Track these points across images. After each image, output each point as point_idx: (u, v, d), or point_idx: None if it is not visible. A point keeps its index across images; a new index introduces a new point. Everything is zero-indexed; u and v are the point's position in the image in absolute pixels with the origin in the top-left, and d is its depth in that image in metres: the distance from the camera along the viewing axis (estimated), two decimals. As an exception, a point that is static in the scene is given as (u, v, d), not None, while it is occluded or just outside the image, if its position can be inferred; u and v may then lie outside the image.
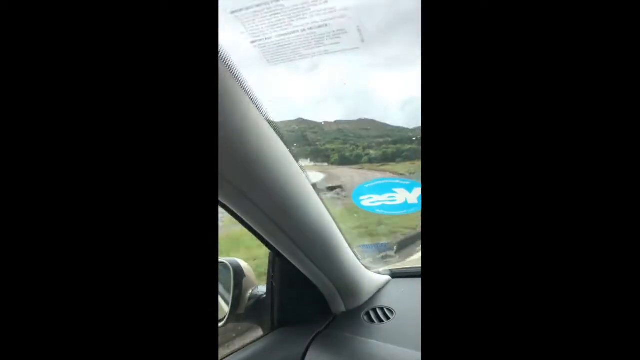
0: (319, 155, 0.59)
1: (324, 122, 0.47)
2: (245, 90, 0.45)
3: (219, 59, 0.39)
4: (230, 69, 0.41)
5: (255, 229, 0.63)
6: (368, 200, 0.69)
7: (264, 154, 0.52)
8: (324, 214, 0.68)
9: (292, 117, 0.74)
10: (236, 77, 0.42)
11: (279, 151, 0.56)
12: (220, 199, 0.55)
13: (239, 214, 0.59)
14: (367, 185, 0.69)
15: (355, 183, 0.76)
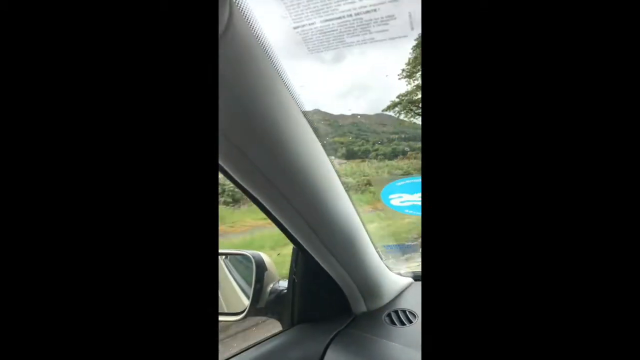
0: (327, 148, 0.57)
1: (341, 114, 0.46)
2: (282, 79, 0.43)
3: (258, 44, 0.38)
4: (267, 53, 0.39)
5: (283, 222, 0.62)
6: (398, 200, 0.67)
7: (299, 147, 0.51)
8: (352, 211, 0.67)
9: (309, 108, 0.73)
10: (273, 63, 0.41)
11: (313, 145, 0.54)
12: (249, 189, 0.54)
13: (267, 207, 0.58)
14: (398, 184, 0.67)
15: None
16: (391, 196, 0.68)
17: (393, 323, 0.77)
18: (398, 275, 0.91)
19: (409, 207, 0.67)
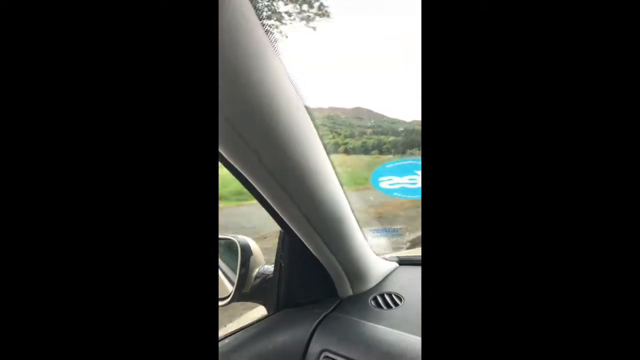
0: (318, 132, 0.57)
1: (318, 107, 0.45)
2: (279, 57, 0.42)
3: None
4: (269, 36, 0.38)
5: (271, 204, 0.61)
6: (387, 182, 0.67)
7: (292, 129, 0.50)
8: (340, 194, 0.66)
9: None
10: (274, 48, 0.40)
11: (306, 129, 0.53)
12: (239, 169, 0.52)
13: (256, 187, 0.57)
14: (388, 166, 0.66)
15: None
16: (381, 179, 0.67)
17: (379, 306, 0.78)
18: (383, 260, 0.92)
19: (397, 190, 0.67)
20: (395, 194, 0.67)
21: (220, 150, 0.49)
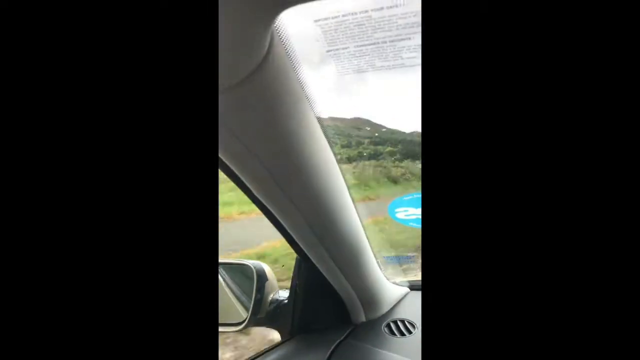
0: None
1: (318, 117, 0.47)
2: (304, 90, 0.44)
3: (287, 55, 0.38)
4: (296, 72, 0.40)
5: (289, 230, 0.62)
6: (403, 213, 0.68)
7: (311, 154, 0.51)
8: (356, 220, 0.67)
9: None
10: (300, 82, 0.41)
11: (325, 153, 0.54)
12: (257, 195, 0.54)
13: (274, 214, 0.58)
14: (405, 198, 0.68)
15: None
16: (397, 210, 0.69)
17: (392, 333, 0.78)
18: (395, 285, 0.92)
19: (413, 220, 0.69)
20: (411, 224, 0.69)
21: (241, 178, 0.50)
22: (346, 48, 0.37)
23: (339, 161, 0.58)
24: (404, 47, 0.35)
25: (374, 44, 0.36)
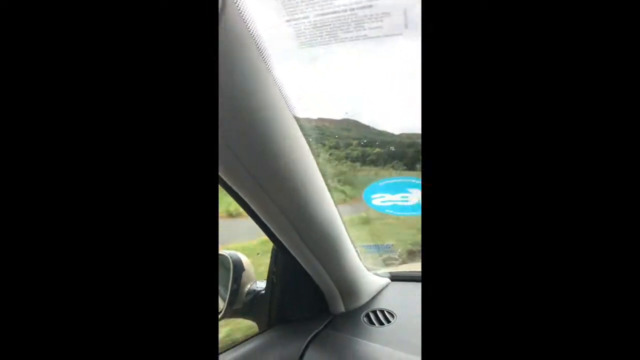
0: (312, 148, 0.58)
1: (306, 118, 0.46)
2: (274, 79, 0.43)
3: (251, 38, 0.37)
4: (261, 51, 0.39)
5: (265, 221, 0.61)
6: (379, 199, 0.67)
7: (286, 146, 0.50)
8: (334, 211, 0.66)
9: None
10: (266, 62, 0.40)
11: (300, 145, 0.54)
12: (233, 186, 0.53)
13: (250, 205, 0.57)
14: (381, 184, 0.67)
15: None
16: (373, 196, 0.68)
17: (372, 323, 0.77)
18: (375, 276, 0.92)
19: (389, 207, 0.68)
20: (387, 210, 0.68)
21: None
22: (306, 17, 0.36)
23: (327, 162, 0.58)
24: (365, 16, 0.34)
25: (334, 12, 0.34)
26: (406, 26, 0.34)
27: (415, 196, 0.66)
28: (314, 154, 0.57)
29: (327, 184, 0.63)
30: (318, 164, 0.59)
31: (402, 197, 0.67)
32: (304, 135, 0.54)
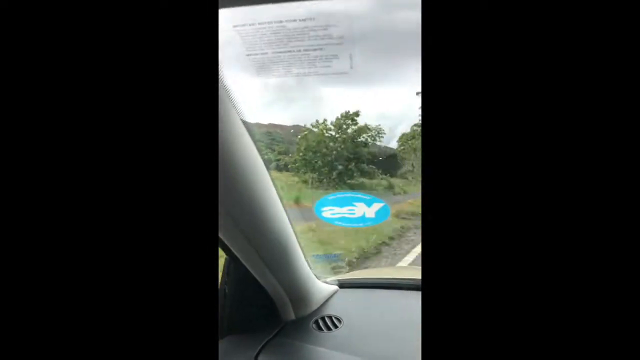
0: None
1: (257, 123, 0.49)
2: (227, 90, 0.45)
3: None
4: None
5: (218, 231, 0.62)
6: (329, 212, 0.73)
7: (238, 156, 0.52)
8: (285, 220, 0.70)
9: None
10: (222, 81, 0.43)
11: (252, 155, 0.56)
12: None
13: None
14: (330, 197, 0.73)
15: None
16: (323, 209, 0.73)
17: (320, 329, 0.81)
18: (324, 283, 0.96)
19: (339, 219, 0.73)
20: (337, 222, 0.73)
21: None
22: (265, 54, 0.40)
23: (277, 168, 0.60)
24: (317, 56, 0.39)
25: (289, 51, 0.39)
26: (351, 67, 0.39)
27: (360, 209, 0.73)
28: (265, 161, 0.60)
29: (278, 193, 0.66)
30: (269, 171, 0.62)
31: (349, 210, 0.73)
32: (254, 141, 0.56)
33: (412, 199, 3.31)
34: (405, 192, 3.45)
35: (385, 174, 3.39)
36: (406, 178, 3.57)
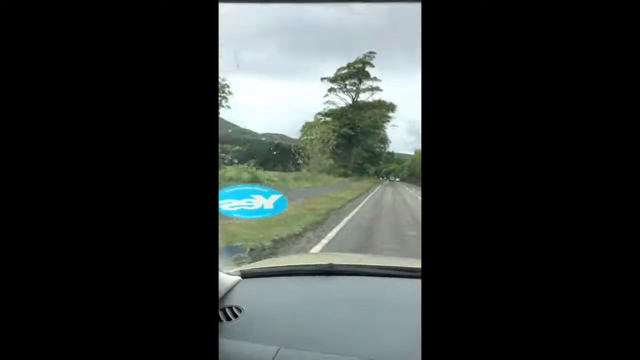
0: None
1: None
2: None
3: None
4: None
5: None
6: (227, 205, 0.73)
7: None
8: None
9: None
10: None
11: None
12: None
13: None
14: (227, 191, 0.73)
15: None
16: (221, 202, 0.73)
17: (220, 320, 0.82)
18: (227, 275, 0.96)
19: (237, 212, 0.74)
20: (235, 215, 0.74)
21: None
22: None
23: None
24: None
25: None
26: (238, 66, 0.41)
27: (258, 201, 0.75)
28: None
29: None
30: None
31: (247, 202, 0.74)
32: None
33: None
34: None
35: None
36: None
